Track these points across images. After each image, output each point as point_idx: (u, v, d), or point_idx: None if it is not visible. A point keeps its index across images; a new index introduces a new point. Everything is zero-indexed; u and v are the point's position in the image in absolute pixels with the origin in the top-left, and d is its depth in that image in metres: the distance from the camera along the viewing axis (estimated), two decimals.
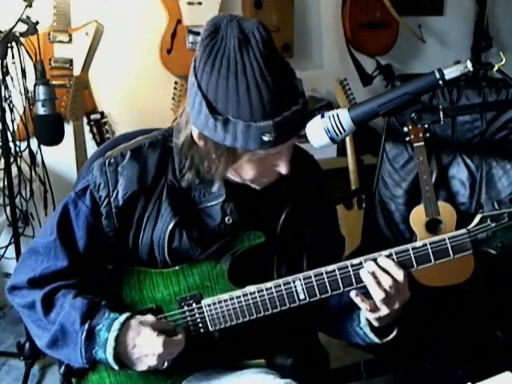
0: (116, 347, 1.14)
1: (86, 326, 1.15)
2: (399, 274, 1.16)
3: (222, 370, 1.26)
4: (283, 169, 1.17)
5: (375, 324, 1.23)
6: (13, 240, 2.37)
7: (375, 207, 2.45)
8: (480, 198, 2.28)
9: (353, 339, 1.32)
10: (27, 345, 2.40)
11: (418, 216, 2.25)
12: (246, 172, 1.19)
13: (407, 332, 1.29)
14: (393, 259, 1.18)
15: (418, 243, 1.18)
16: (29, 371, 2.41)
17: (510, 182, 2.23)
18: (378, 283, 1.16)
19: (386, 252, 1.18)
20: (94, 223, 1.23)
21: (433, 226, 2.24)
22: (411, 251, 1.18)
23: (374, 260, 1.18)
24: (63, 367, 1.28)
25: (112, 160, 1.24)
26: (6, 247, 2.54)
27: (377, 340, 1.26)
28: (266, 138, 1.07)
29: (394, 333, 1.25)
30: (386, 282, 1.16)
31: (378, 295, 1.16)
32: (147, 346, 1.15)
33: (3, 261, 2.68)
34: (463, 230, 1.19)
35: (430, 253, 1.18)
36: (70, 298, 1.19)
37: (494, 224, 1.17)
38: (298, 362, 1.32)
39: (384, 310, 1.18)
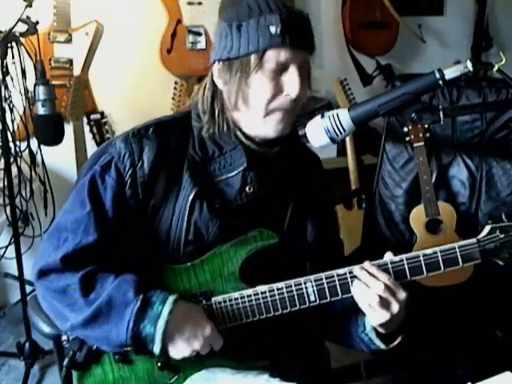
0: (168, 322, 1.13)
1: (141, 296, 1.14)
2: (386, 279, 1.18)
3: (228, 369, 1.25)
4: (293, 89, 1.19)
5: (381, 330, 1.23)
6: (13, 240, 2.37)
7: (375, 207, 2.45)
8: (480, 197, 2.28)
9: (357, 346, 1.32)
10: (27, 345, 2.41)
11: (418, 216, 2.25)
12: (257, 93, 1.20)
13: (411, 338, 1.30)
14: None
15: (429, 250, 1.19)
16: (29, 371, 2.42)
17: (510, 182, 2.23)
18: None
19: (397, 258, 1.19)
20: (120, 194, 1.23)
21: (433, 226, 2.24)
22: (422, 258, 1.19)
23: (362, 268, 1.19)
24: (67, 359, 1.26)
25: (136, 131, 1.26)
26: (6, 247, 2.54)
27: (383, 346, 1.26)
28: (273, 30, 1.14)
29: (399, 339, 1.26)
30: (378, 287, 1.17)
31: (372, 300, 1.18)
32: (200, 326, 1.16)
33: (3, 261, 2.68)
34: (473, 240, 1.20)
35: (440, 260, 1.19)
36: (111, 278, 1.17)
37: (502, 235, 1.19)
38: (301, 364, 1.32)
39: (384, 314, 1.18)
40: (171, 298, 1.15)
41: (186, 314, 1.16)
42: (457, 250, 1.19)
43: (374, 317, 1.20)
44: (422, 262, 1.18)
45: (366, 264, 1.20)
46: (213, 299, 1.22)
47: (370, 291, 1.17)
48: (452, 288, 2.13)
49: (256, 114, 1.23)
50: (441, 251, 1.19)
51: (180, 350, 1.16)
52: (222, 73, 1.22)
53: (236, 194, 1.26)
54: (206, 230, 1.24)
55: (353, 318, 1.31)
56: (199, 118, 1.29)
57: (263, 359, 1.26)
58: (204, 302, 1.22)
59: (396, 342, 1.26)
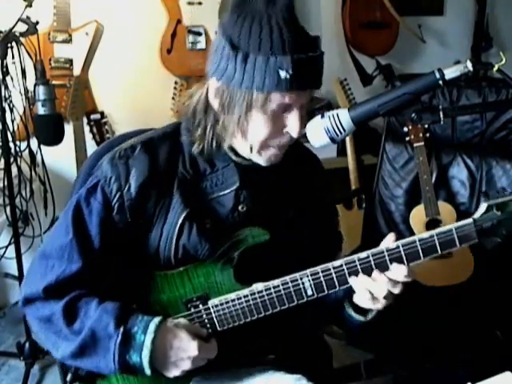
0: (152, 350, 1.12)
1: (121, 329, 1.12)
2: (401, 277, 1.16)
3: (231, 368, 1.25)
4: (294, 130, 1.16)
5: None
6: (13, 240, 2.37)
7: (375, 207, 2.46)
8: (480, 198, 2.28)
9: (349, 325, 1.32)
10: (27, 345, 2.41)
11: (418, 216, 2.25)
12: (256, 129, 1.16)
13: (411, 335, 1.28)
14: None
15: (425, 234, 1.17)
16: (29, 371, 2.41)
17: (510, 182, 2.23)
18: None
19: (394, 245, 1.17)
20: (106, 219, 1.20)
21: (433, 226, 2.24)
22: (418, 243, 1.17)
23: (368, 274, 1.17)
24: (70, 374, 1.25)
25: (122, 153, 1.22)
26: (6, 247, 2.54)
27: (362, 318, 1.27)
28: (282, 75, 1.08)
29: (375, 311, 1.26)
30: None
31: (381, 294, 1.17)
32: (184, 349, 1.14)
33: (3, 261, 2.68)
34: (469, 220, 1.17)
35: (437, 243, 1.16)
36: (94, 304, 1.16)
37: (499, 213, 1.16)
38: (303, 360, 1.32)
39: (387, 303, 1.18)
40: (152, 326, 1.13)
41: (169, 339, 1.14)
42: (453, 231, 1.16)
43: (374, 306, 1.20)
44: (419, 246, 1.16)
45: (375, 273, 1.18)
46: (209, 302, 1.21)
47: (378, 286, 1.16)
48: (452, 288, 2.13)
49: (251, 146, 1.20)
50: (437, 234, 1.16)
51: (170, 372, 1.16)
52: (221, 96, 1.16)
53: (228, 212, 1.24)
54: (195, 252, 1.21)
55: (340, 304, 1.31)
56: (189, 131, 1.24)
57: (266, 356, 1.26)
58: (201, 306, 1.21)
59: (374, 313, 1.26)
